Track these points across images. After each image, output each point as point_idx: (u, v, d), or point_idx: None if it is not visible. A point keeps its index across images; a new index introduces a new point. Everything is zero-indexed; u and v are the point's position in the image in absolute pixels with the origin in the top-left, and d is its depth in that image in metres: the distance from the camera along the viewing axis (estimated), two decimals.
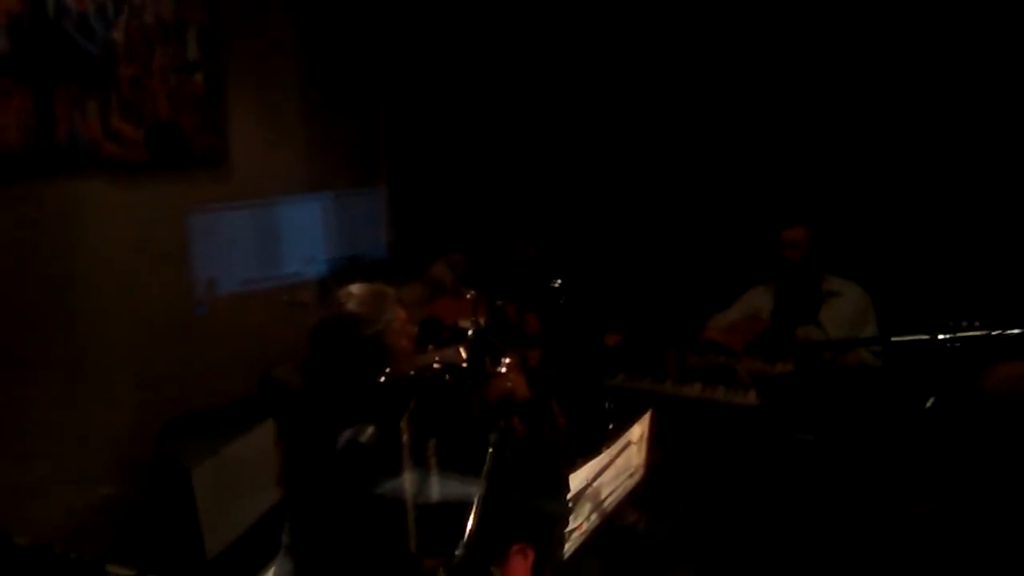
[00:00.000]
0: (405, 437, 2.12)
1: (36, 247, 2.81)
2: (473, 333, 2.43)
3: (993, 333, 2.20)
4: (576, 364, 3.48)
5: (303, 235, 4.01)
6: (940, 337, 2.33)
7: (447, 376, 2.47)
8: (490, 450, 2.04)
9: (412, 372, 2.21)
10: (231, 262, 3.62)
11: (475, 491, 1.95)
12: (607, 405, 3.24)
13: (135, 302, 3.17)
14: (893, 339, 2.55)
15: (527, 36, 4.28)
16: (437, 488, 2.25)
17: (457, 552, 1.71)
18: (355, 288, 2.14)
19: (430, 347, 2.59)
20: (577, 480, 2.16)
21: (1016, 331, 2.11)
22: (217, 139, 3.55)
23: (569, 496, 2.13)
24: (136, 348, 3.16)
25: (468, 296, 3.50)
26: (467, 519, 1.90)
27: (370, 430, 2.00)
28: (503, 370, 2.54)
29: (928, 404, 1.92)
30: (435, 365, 2.49)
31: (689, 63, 3.99)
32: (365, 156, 4.44)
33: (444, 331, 2.72)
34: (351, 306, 2.09)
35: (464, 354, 2.48)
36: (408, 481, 2.14)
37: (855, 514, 2.62)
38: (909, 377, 2.58)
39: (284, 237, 3.92)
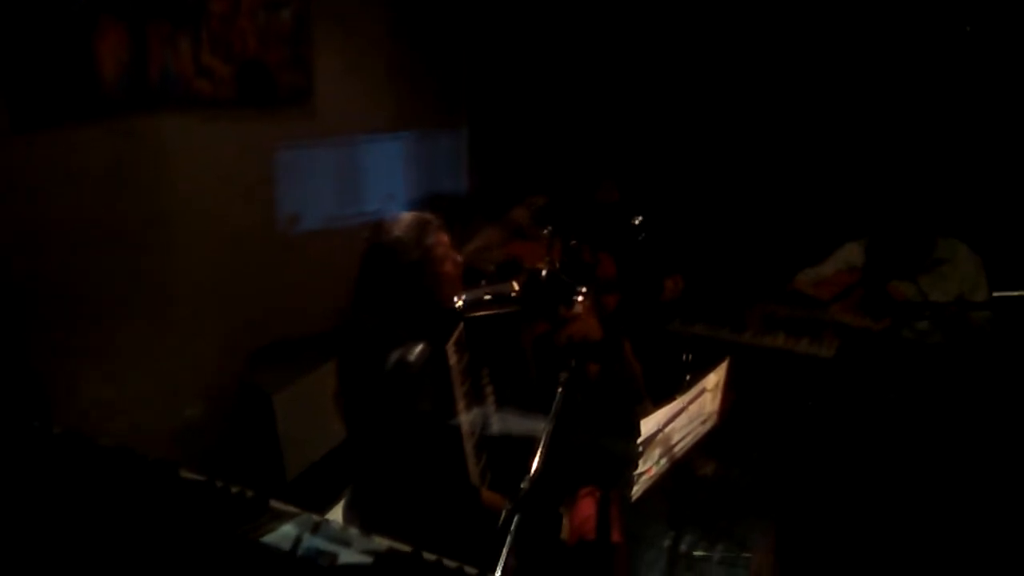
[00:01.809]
0: (453, 361, 2.14)
1: (131, 181, 2.90)
2: (545, 272, 2.40)
3: None
4: (652, 309, 3.43)
5: (385, 174, 4.04)
6: None
7: (498, 307, 2.46)
8: (559, 389, 2.03)
9: (459, 300, 2.23)
10: (314, 198, 3.68)
11: (541, 428, 1.94)
12: (684, 357, 3.18)
13: (223, 235, 3.27)
14: (995, 295, 2.40)
15: None
16: (496, 421, 2.26)
17: (523, 485, 1.71)
18: (400, 215, 2.19)
19: (482, 281, 2.59)
20: (649, 425, 2.13)
21: None
22: (303, 77, 3.59)
23: (640, 440, 2.11)
24: (222, 280, 3.27)
25: (543, 234, 3.48)
26: (531, 456, 1.90)
27: (418, 349, 2.03)
28: (575, 310, 2.52)
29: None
30: (486, 297, 2.49)
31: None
32: (448, 96, 4.41)
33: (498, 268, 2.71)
34: (395, 232, 2.13)
35: (516, 287, 2.46)
36: (463, 409, 2.16)
37: (929, 471, 2.51)
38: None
39: (366, 175, 3.96)
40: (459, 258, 2.23)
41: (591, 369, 2.61)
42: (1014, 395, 2.47)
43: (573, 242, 2.58)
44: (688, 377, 2.78)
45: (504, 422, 2.18)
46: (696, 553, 2.77)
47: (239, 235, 3.34)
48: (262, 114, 3.39)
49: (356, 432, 2.16)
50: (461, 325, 2.18)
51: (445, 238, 2.16)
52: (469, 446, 2.16)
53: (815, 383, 2.98)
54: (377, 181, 3.97)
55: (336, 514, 2.13)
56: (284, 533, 1.28)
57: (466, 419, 2.14)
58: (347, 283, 3.75)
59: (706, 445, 2.29)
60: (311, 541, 1.25)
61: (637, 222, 3.00)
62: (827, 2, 3.76)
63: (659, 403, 2.13)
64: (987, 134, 3.45)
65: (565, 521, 2.42)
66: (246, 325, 3.34)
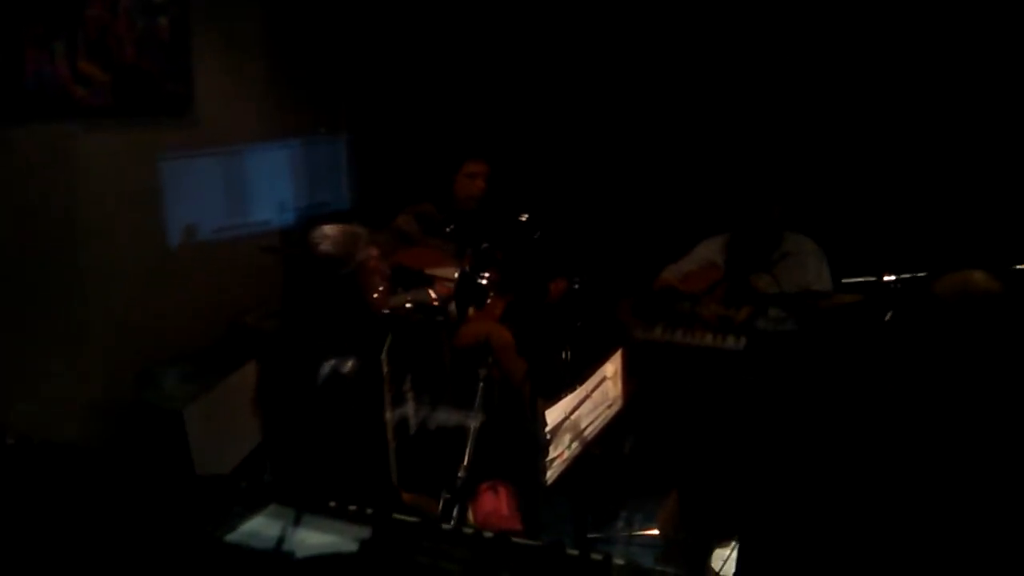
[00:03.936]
0: (385, 371, 2.24)
1: (8, 192, 2.77)
2: (458, 278, 2.53)
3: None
4: (538, 310, 3.59)
5: (268, 183, 4.01)
6: (886, 279, 2.58)
7: (420, 316, 2.58)
8: (480, 384, 2.18)
9: (386, 311, 2.33)
10: (198, 209, 3.61)
11: (465, 422, 2.08)
12: (564, 355, 3.36)
13: (105, 248, 3.16)
14: (844, 281, 2.77)
15: None
16: (416, 423, 2.37)
17: (459, 475, 1.83)
18: (328, 229, 2.21)
19: (399, 289, 2.69)
20: (554, 414, 2.31)
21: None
22: (183, 85, 3.51)
23: (547, 429, 2.28)
24: (106, 295, 3.17)
25: (437, 246, 3.58)
26: (456, 451, 2.03)
27: (351, 362, 2.11)
28: (473, 314, 2.66)
29: (887, 317, 2.10)
30: (407, 305, 2.59)
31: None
32: (329, 105, 4.43)
33: (415, 277, 2.81)
34: (325, 247, 2.16)
35: (434, 296, 2.59)
36: (389, 415, 2.26)
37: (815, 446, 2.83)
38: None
39: (250, 185, 3.91)
40: (388, 271, 2.31)
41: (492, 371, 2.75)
42: (862, 371, 2.84)
43: (485, 244, 2.72)
44: (566, 377, 2.97)
45: (424, 423, 2.28)
46: (599, 535, 2.95)
47: (122, 248, 3.24)
48: (143, 123, 3.30)
49: (279, 440, 2.20)
50: (390, 335, 2.27)
51: (375, 251, 2.23)
52: (392, 450, 2.26)
53: (694, 372, 3.24)
54: (260, 191, 3.94)
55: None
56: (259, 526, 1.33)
57: (391, 424, 2.23)
58: (235, 294, 3.74)
59: (616, 426, 2.47)
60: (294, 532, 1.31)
61: (524, 219, 3.14)
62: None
63: (550, 398, 2.29)
64: (826, 136, 3.80)
65: (469, 515, 2.55)
66: (134, 340, 3.24)
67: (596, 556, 1.04)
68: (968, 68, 3.48)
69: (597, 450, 2.80)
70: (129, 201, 3.27)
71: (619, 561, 1.02)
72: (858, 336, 2.54)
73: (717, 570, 1.70)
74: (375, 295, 2.22)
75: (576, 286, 3.42)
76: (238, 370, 2.69)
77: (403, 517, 1.18)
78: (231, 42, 3.79)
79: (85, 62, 3.04)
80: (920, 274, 2.37)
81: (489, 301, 2.97)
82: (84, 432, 3.02)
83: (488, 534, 1.09)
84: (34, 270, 2.90)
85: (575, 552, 1.05)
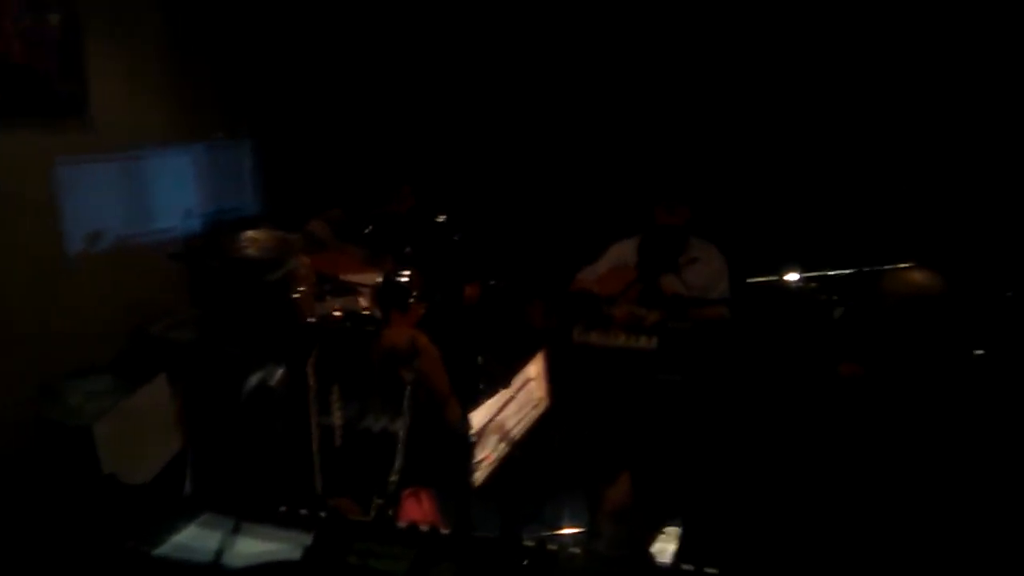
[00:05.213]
0: (312, 382, 2.19)
1: None
2: (381, 284, 2.50)
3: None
4: (455, 313, 3.59)
5: (169, 189, 3.86)
6: (787, 278, 2.72)
7: (348, 324, 2.54)
8: (408, 388, 2.16)
9: (313, 319, 2.27)
10: (94, 216, 3.44)
11: (396, 427, 2.07)
12: (478, 359, 3.38)
13: None
14: (749, 280, 2.91)
15: None
16: (342, 432, 2.33)
17: (391, 479, 1.82)
18: (256, 234, 2.12)
19: (327, 297, 2.64)
20: (479, 416, 2.32)
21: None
22: (77, 85, 3.34)
23: (472, 432, 2.29)
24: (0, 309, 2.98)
25: (348, 251, 3.53)
26: (385, 456, 2.02)
27: (279, 373, 2.05)
28: (395, 318, 2.63)
29: (837, 314, 2.20)
30: (335, 313, 2.54)
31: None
32: (231, 107, 4.30)
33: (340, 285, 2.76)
34: (253, 251, 2.07)
35: (365, 303, 2.55)
36: (314, 425, 2.21)
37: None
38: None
39: (149, 191, 3.75)
40: (314, 278, 2.25)
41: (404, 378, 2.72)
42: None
43: (408, 249, 2.69)
44: (481, 385, 2.98)
45: (353, 431, 2.24)
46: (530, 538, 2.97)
47: (16, 256, 3.06)
48: (35, 124, 3.13)
49: (202, 454, 2.13)
50: (318, 345, 2.22)
51: (307, 259, 2.17)
52: (316, 460, 2.22)
53: (615, 372, 3.31)
54: (161, 196, 3.78)
55: None
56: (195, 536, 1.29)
57: (316, 434, 2.18)
58: (137, 303, 3.58)
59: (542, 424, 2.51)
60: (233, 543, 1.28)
61: (441, 219, 3.13)
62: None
63: (469, 404, 2.30)
64: (737, 136, 3.98)
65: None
66: (31, 354, 3.05)
67: (551, 547, 1.06)
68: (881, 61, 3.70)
69: (519, 452, 2.83)
70: (23, 207, 3.09)
71: (574, 550, 1.05)
72: (804, 330, 2.64)
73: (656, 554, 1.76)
74: (305, 304, 2.15)
75: (492, 288, 3.44)
76: (148, 383, 2.59)
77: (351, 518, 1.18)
78: (128, 41, 3.63)
79: None
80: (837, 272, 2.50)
81: (412, 304, 2.95)
82: None
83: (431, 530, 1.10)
84: None
85: (531, 543, 1.07)
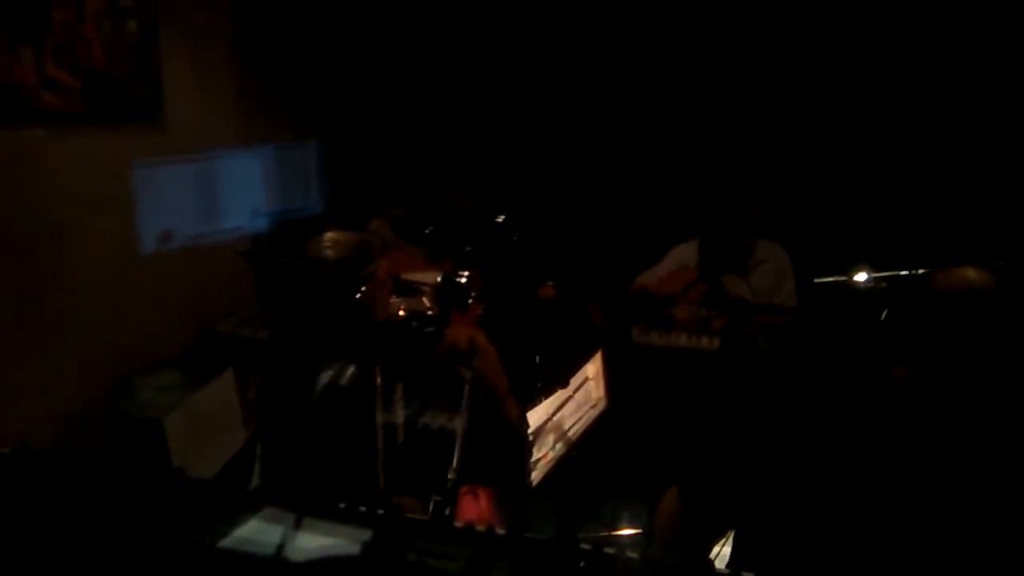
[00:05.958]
0: (379, 381, 2.22)
1: None
2: (440, 284, 2.52)
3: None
4: (519, 313, 3.60)
5: (239, 189, 3.97)
6: (856, 279, 2.64)
7: (414, 324, 2.56)
8: (466, 387, 2.17)
9: (384, 320, 2.30)
10: (168, 215, 3.55)
11: (455, 425, 2.08)
12: (536, 359, 3.37)
13: (77, 256, 3.10)
14: (816, 280, 2.83)
15: None
16: (405, 430, 2.36)
17: (449, 476, 1.83)
18: (337, 235, 2.14)
19: (393, 297, 2.68)
20: (537, 415, 2.32)
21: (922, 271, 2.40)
22: (152, 90, 3.47)
23: (530, 430, 2.29)
24: (76, 304, 3.10)
25: (409, 250, 3.56)
26: (444, 454, 2.03)
27: (351, 371, 2.08)
28: (455, 318, 2.65)
29: (883, 316, 2.14)
30: (400, 313, 2.57)
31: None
32: (297, 109, 4.40)
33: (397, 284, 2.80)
34: (334, 253, 2.09)
35: (428, 303, 2.58)
36: (380, 424, 2.24)
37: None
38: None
39: (220, 191, 3.87)
40: (390, 281, 2.28)
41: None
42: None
43: (468, 249, 2.71)
44: (539, 384, 2.97)
45: (414, 429, 2.26)
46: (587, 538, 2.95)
47: (93, 255, 3.18)
48: (113, 128, 3.25)
49: (272, 449, 2.17)
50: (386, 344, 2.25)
51: (385, 262, 2.20)
52: (381, 458, 2.25)
53: (678, 373, 3.26)
54: (230, 196, 3.89)
55: None
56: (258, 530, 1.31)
57: (381, 432, 2.21)
58: (205, 300, 3.69)
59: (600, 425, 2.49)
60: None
61: (501, 220, 3.13)
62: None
63: (527, 403, 2.29)
64: (804, 137, 3.90)
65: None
66: (106, 349, 3.18)
67: (608, 550, 1.05)
68: (943, 66, 3.59)
69: (575, 452, 2.82)
70: (100, 207, 3.21)
71: (631, 554, 1.04)
72: (852, 337, 2.57)
73: (713, 560, 1.73)
74: (381, 306, 2.17)
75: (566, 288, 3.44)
76: (216, 378, 2.67)
77: (410, 516, 1.18)
78: (201, 46, 3.75)
79: (53, 67, 2.98)
80: (906, 272, 2.42)
81: (471, 304, 2.97)
82: (57, 443, 2.95)
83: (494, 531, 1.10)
84: (3, 279, 2.83)
85: (587, 546, 1.06)
